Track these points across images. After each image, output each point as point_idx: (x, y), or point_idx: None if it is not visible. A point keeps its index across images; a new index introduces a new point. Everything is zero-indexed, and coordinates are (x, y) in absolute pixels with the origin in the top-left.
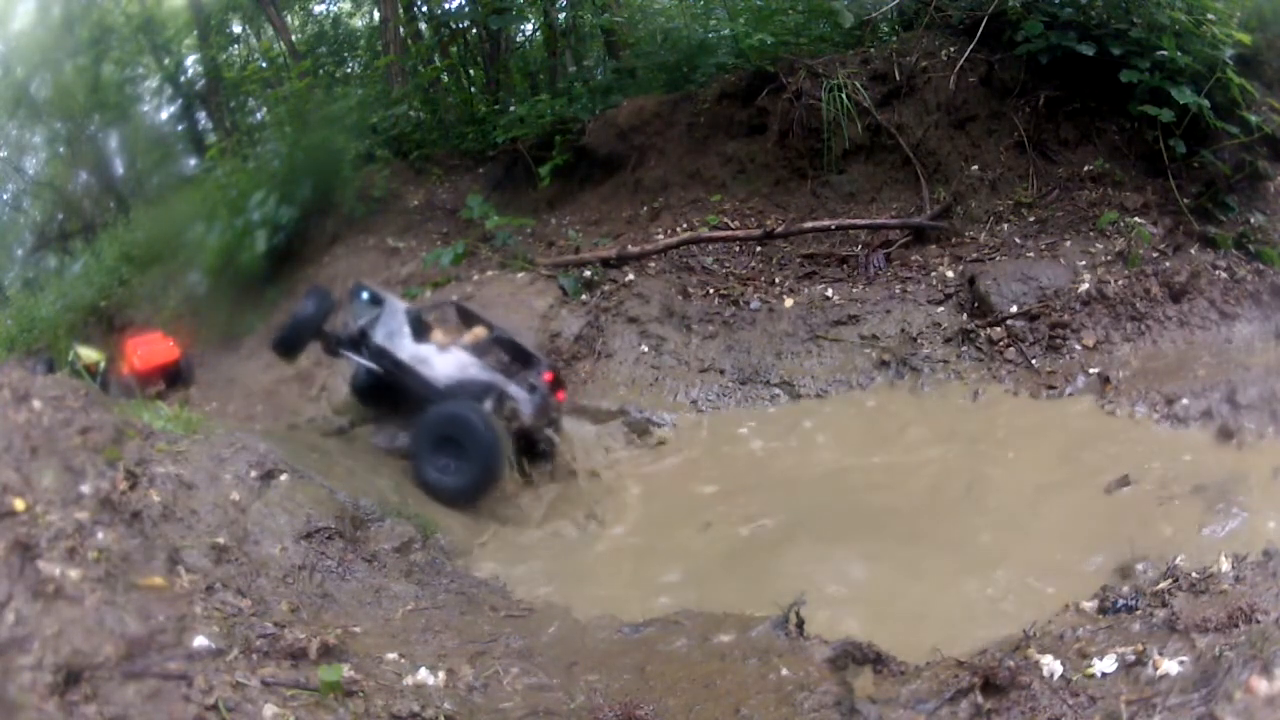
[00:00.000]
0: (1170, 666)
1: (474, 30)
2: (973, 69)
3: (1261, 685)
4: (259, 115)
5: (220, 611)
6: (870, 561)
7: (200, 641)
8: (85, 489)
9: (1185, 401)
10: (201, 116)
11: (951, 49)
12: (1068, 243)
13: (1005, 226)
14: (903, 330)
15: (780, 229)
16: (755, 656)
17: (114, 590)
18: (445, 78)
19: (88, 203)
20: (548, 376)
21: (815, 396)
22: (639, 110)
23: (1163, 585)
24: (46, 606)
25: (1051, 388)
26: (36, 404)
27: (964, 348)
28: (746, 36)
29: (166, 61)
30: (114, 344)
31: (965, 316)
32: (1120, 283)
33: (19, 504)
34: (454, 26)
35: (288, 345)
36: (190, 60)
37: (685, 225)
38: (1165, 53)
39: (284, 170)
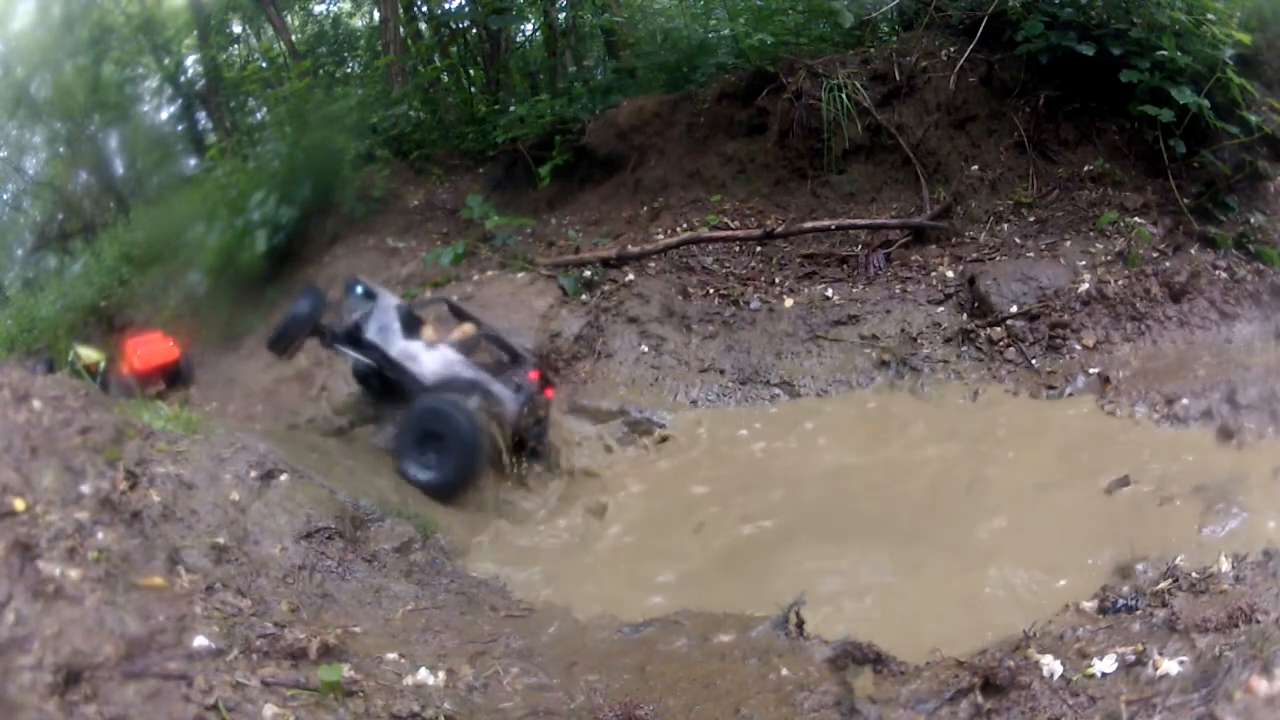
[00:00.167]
0: (1170, 666)
1: (474, 30)
2: (973, 69)
3: (1261, 685)
4: (259, 115)
5: (220, 611)
6: (870, 561)
7: (200, 641)
8: (85, 489)
9: (1185, 401)
10: (201, 116)
11: (951, 49)
12: (1068, 243)
13: (1005, 226)
14: (903, 330)
15: (780, 229)
16: (755, 656)
17: (114, 590)
18: (445, 78)
19: (88, 203)
20: (533, 375)
21: (815, 396)
22: (639, 110)
23: (1163, 585)
24: (46, 606)
25: (1051, 388)
26: (36, 404)
27: (964, 348)
28: (746, 36)
29: (166, 61)
30: (114, 344)
31: (965, 316)
32: (1120, 283)
33: (19, 504)
34: (454, 26)
35: (282, 342)
36: (190, 60)
37: (685, 225)
38: (1165, 53)
39: (284, 170)
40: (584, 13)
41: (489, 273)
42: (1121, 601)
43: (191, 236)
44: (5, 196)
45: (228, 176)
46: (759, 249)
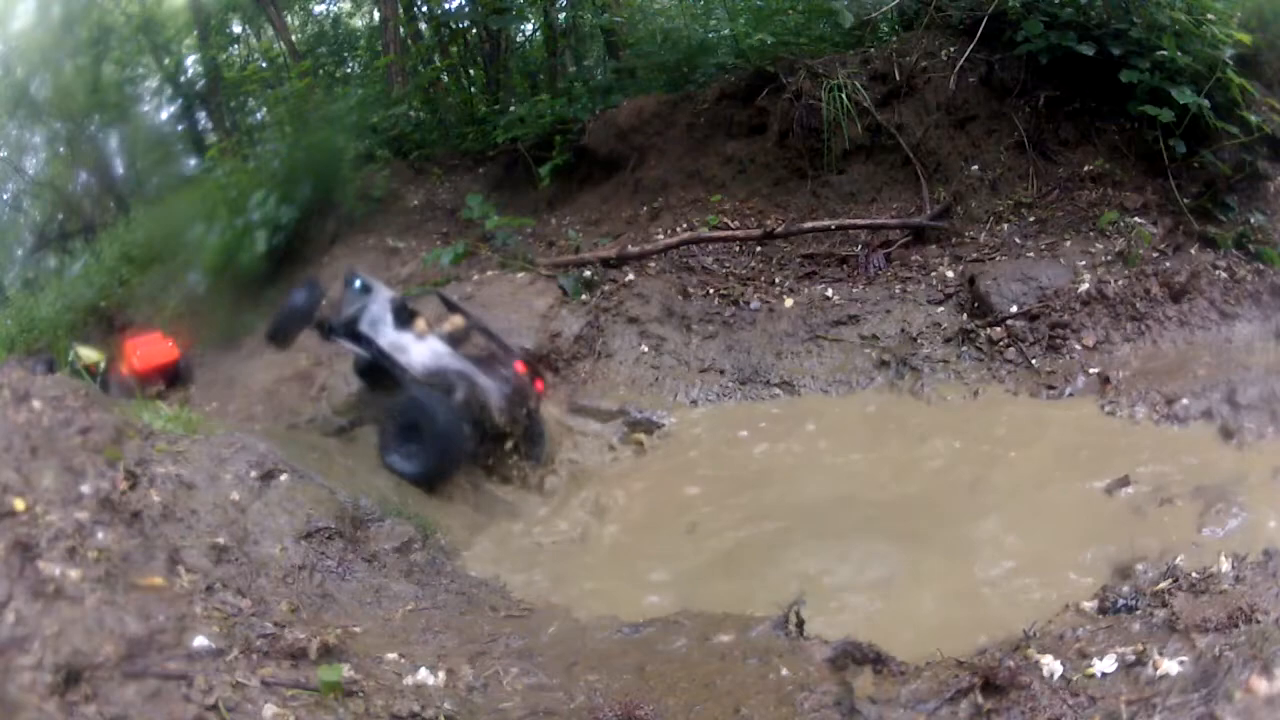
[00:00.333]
0: (1170, 666)
1: (474, 30)
2: (973, 69)
3: (1261, 685)
4: (259, 115)
5: (220, 611)
6: (870, 561)
7: (200, 641)
8: (85, 489)
9: (1185, 401)
10: (201, 116)
11: (951, 49)
12: (1068, 243)
13: (1005, 226)
14: (903, 330)
15: (780, 229)
16: (755, 656)
17: (114, 590)
18: (445, 78)
19: (88, 203)
20: (519, 366)
21: (815, 396)
22: (639, 110)
23: (1163, 585)
24: (46, 606)
25: (1051, 388)
26: (36, 404)
27: (964, 348)
28: (746, 36)
29: (166, 61)
30: (114, 344)
31: (965, 316)
32: (1120, 283)
33: (19, 504)
34: (454, 26)
35: (280, 334)
36: (190, 60)
37: (685, 225)
38: (1165, 53)
39: (284, 170)
40: (584, 13)
41: (489, 273)
42: (1121, 601)
43: (191, 236)
44: (5, 196)
45: (228, 176)
46: (759, 249)
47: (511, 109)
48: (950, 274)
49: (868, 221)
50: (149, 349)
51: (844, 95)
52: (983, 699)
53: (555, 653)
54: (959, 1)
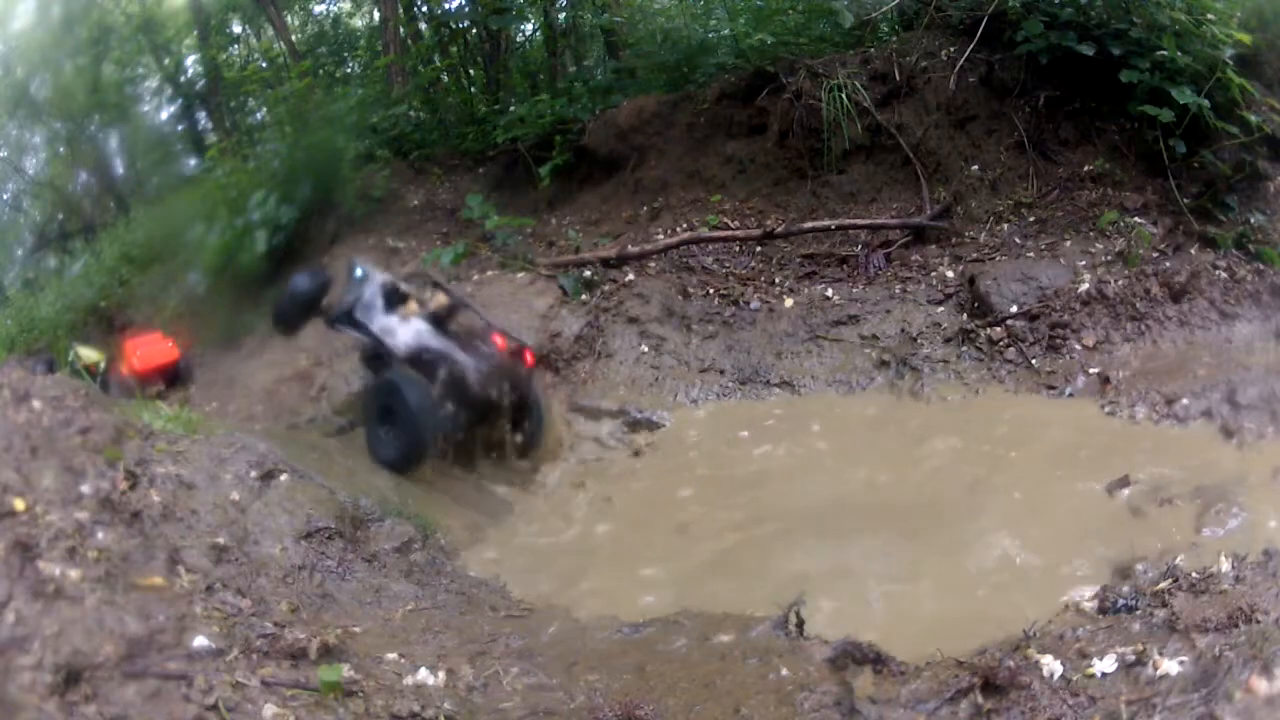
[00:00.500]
0: (1170, 666)
1: (474, 30)
2: (973, 69)
3: (1261, 685)
4: (259, 115)
5: (220, 611)
6: (870, 561)
7: (200, 641)
8: (85, 489)
9: (1185, 401)
10: (201, 116)
11: (951, 49)
12: (1068, 243)
13: (1005, 226)
14: (903, 330)
15: (780, 229)
16: (755, 656)
17: (114, 590)
18: (445, 78)
19: (88, 203)
20: (498, 340)
21: (815, 396)
22: (639, 110)
23: (1163, 585)
24: (46, 606)
25: (1051, 388)
26: (36, 404)
27: (964, 348)
28: (746, 36)
29: (166, 61)
30: (114, 344)
31: (965, 316)
32: (1120, 283)
33: (19, 504)
34: (454, 26)
35: (285, 320)
36: (190, 60)
37: (685, 225)
38: (1165, 53)
39: (284, 170)
40: (584, 13)
41: (489, 273)
42: (1121, 601)
43: (191, 236)
44: (5, 196)
45: (228, 176)
46: (759, 249)
47: (511, 109)
48: (950, 274)
49: (868, 221)
50: (149, 349)
51: (844, 95)
52: (983, 699)
53: (555, 653)
54: (959, 1)
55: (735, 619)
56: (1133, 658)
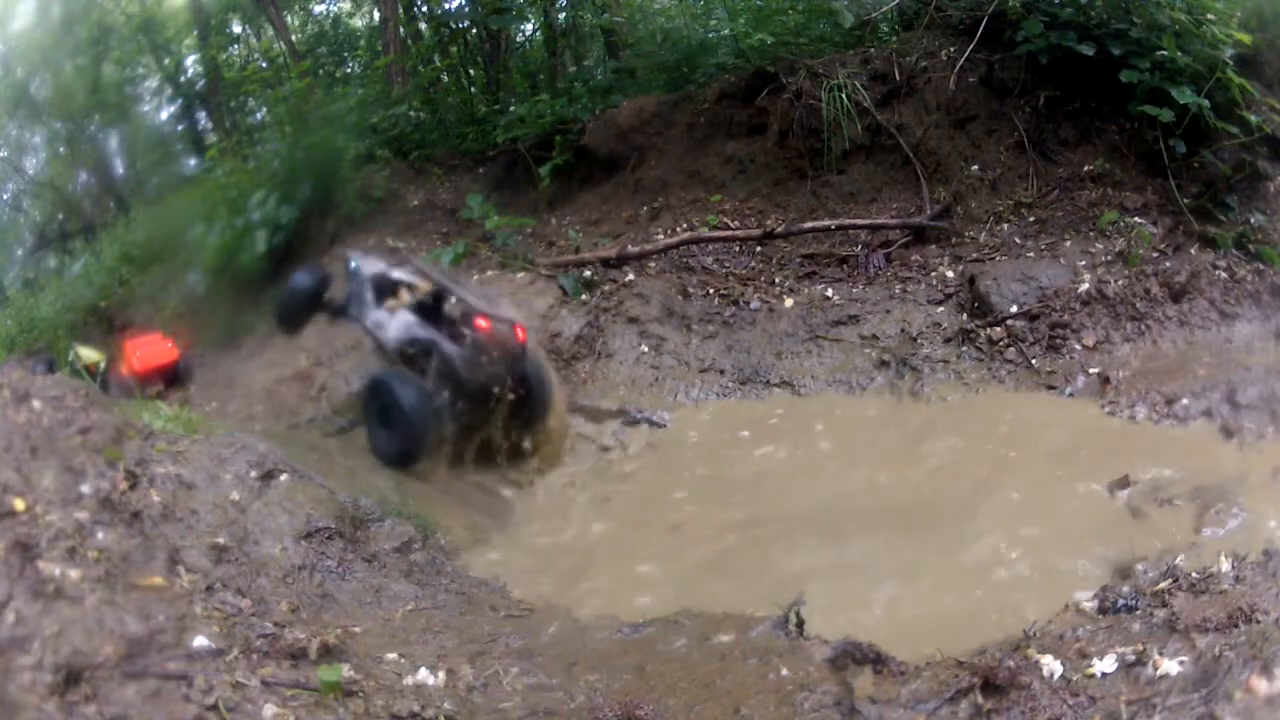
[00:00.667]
0: (1170, 666)
1: (474, 30)
2: (973, 69)
3: (1261, 685)
4: (259, 115)
5: (220, 611)
6: (870, 561)
7: (200, 641)
8: (85, 489)
9: (1185, 401)
10: (201, 116)
11: (951, 49)
12: (1068, 243)
13: (1005, 226)
14: (903, 330)
15: (780, 229)
16: (755, 656)
17: (114, 590)
18: (445, 78)
19: (88, 203)
20: (481, 323)
21: (815, 397)
22: (639, 110)
23: (1163, 585)
24: (46, 606)
25: (1051, 387)
26: (36, 404)
27: (964, 348)
28: (746, 36)
29: (166, 61)
30: (114, 344)
31: (965, 316)
32: (1120, 283)
33: (19, 504)
34: (454, 26)
35: (287, 317)
36: (190, 60)
37: (685, 225)
38: (1165, 53)
39: (284, 170)
40: (584, 13)
41: (489, 273)
42: (1121, 601)
43: (191, 236)
44: (5, 196)
45: (228, 176)
46: (759, 249)
47: (511, 109)
48: (950, 274)
49: (868, 221)
50: (149, 349)
51: (844, 95)
52: (983, 699)
53: (555, 653)
54: (959, 1)
55: (735, 619)
56: (1133, 658)
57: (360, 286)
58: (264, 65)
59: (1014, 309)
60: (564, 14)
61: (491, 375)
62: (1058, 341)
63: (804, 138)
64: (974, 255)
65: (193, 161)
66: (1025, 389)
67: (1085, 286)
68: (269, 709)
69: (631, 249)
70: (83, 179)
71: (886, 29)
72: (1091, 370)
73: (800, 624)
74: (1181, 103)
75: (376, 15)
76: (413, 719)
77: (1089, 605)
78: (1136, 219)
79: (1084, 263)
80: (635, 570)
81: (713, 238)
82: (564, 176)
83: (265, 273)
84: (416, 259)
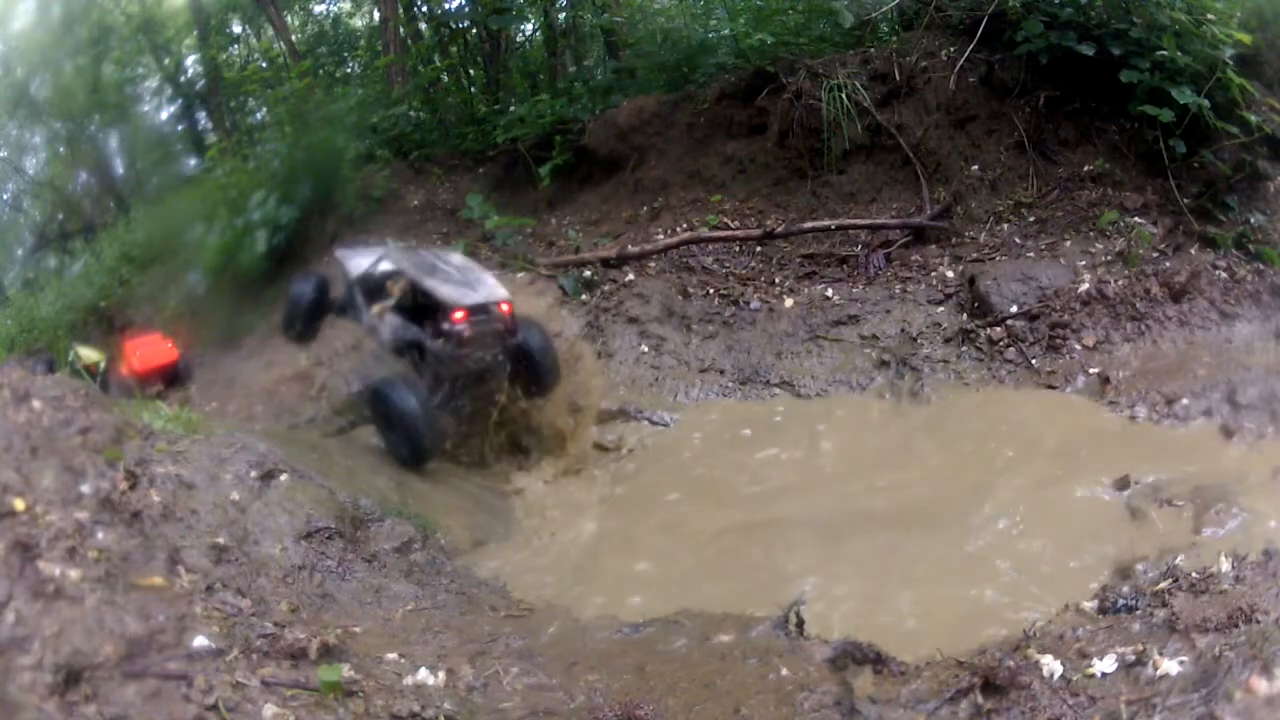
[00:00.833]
0: (1170, 666)
1: (474, 30)
2: (973, 69)
3: (1261, 685)
4: (259, 115)
5: (220, 611)
6: (870, 561)
7: (200, 641)
8: (85, 489)
9: (1185, 401)
10: (201, 116)
11: (951, 49)
12: (1068, 243)
13: (1005, 226)
14: (903, 330)
15: (780, 229)
16: (755, 656)
17: (114, 590)
18: (445, 78)
19: (88, 203)
20: (458, 318)
21: (815, 397)
22: (639, 110)
23: (1163, 585)
24: (46, 606)
25: (1051, 387)
26: (36, 404)
27: (964, 348)
28: (746, 36)
29: (166, 61)
30: (114, 344)
31: (965, 316)
32: (1120, 283)
33: (19, 504)
34: (454, 26)
35: (296, 329)
36: (190, 60)
37: (685, 225)
38: (1165, 53)
39: (284, 170)
40: (584, 13)
41: (493, 273)
42: (1121, 601)
43: (191, 236)
44: (5, 196)
45: (228, 176)
46: (759, 249)
47: (511, 109)
48: (950, 274)
49: (868, 221)
50: (149, 349)
51: (844, 95)
52: (983, 699)
53: (555, 653)
54: (959, 1)
55: (735, 619)
56: (1133, 658)
57: (351, 289)
58: (264, 65)
59: (1014, 309)
60: (564, 14)
61: (480, 360)
62: (1058, 341)
63: (804, 138)
64: (974, 255)
65: (193, 161)
66: (1025, 389)
67: (1085, 286)
68: (269, 709)
69: (631, 249)
70: (83, 179)
71: (886, 29)
72: (1091, 370)
73: (800, 624)
74: (1181, 103)
75: (376, 15)
76: (413, 719)
77: (1089, 605)
78: (1136, 219)
79: (1084, 263)
80: (635, 570)
81: (713, 238)
82: (564, 176)
83: (265, 273)
84: (395, 247)
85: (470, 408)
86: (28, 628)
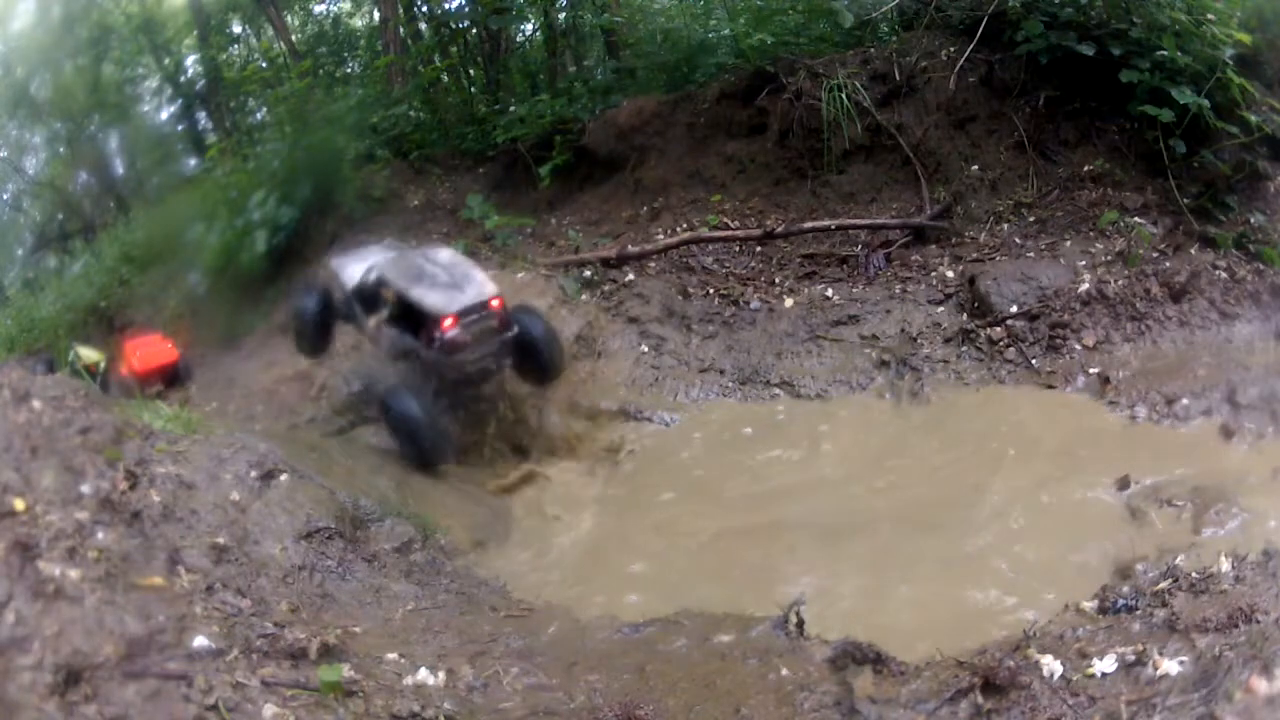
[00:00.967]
0: (1170, 666)
1: (474, 30)
2: (973, 69)
3: (1261, 685)
4: (259, 115)
5: (220, 611)
6: (870, 561)
7: (200, 641)
8: (85, 489)
9: (1185, 401)
10: (201, 116)
11: (951, 49)
12: (1068, 243)
13: (1005, 226)
14: (903, 330)
15: (780, 229)
16: (755, 656)
17: (114, 590)
18: (445, 78)
19: (88, 203)
20: (447, 325)
21: (815, 397)
22: (639, 110)
23: (1163, 585)
24: (46, 606)
25: (1051, 387)
26: (36, 404)
27: (964, 348)
28: (746, 36)
29: (166, 61)
30: (114, 344)
31: (965, 316)
32: (1120, 283)
33: (19, 504)
34: (454, 26)
35: (309, 341)
36: (190, 60)
37: (685, 225)
38: (1165, 53)
39: (284, 170)
40: (584, 13)
41: (489, 272)
42: (1121, 601)
43: (191, 236)
44: (5, 196)
45: (228, 176)
46: (759, 249)
47: (511, 109)
48: (950, 274)
49: (868, 221)
50: (149, 349)
51: (844, 95)
52: (983, 699)
53: (555, 653)
54: (959, 1)
55: (735, 619)
56: (1133, 658)
57: (349, 301)
58: (264, 65)
59: (1014, 309)
60: (564, 14)
61: (479, 361)
62: (1058, 341)
63: (804, 138)
64: (974, 255)
65: (193, 161)
66: (1025, 389)
67: (1085, 286)
68: (269, 709)
69: (631, 249)
70: (83, 179)
71: (886, 29)
72: (1091, 370)
73: (800, 624)
74: (1181, 103)
75: (376, 15)
76: (413, 719)
77: (1089, 605)
78: (1136, 219)
79: (1084, 263)
80: (635, 570)
81: (713, 238)
82: (564, 176)
83: (265, 273)
84: (383, 253)
85: (476, 408)
86: (28, 628)
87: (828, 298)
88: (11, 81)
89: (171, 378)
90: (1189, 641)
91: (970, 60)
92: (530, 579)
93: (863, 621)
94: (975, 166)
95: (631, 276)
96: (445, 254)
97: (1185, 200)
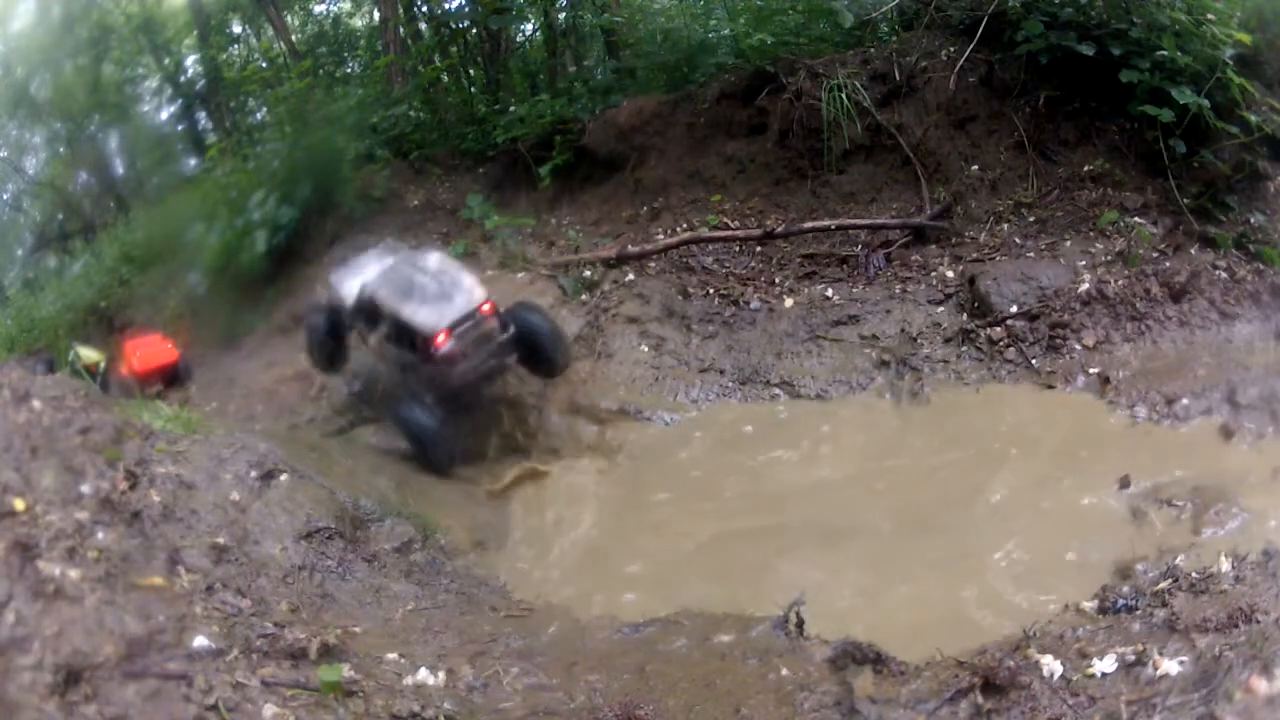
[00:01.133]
0: (1170, 666)
1: (474, 30)
2: (973, 69)
3: (1261, 685)
4: (259, 115)
5: (220, 611)
6: (871, 561)
7: (200, 641)
8: (85, 489)
9: (1185, 401)
10: (201, 116)
11: (951, 49)
12: (1068, 243)
13: (1005, 226)
14: (903, 330)
15: (780, 229)
16: (755, 656)
17: (114, 590)
18: (445, 78)
19: (88, 203)
20: (439, 342)
21: (815, 397)
22: (639, 110)
23: (1163, 585)
24: (46, 606)
25: (1051, 387)
26: (36, 404)
27: (964, 348)
28: (746, 36)
29: (166, 61)
30: (114, 344)
31: (965, 316)
32: (1120, 283)
33: (19, 504)
34: (454, 26)
35: (324, 357)
36: (190, 60)
37: (685, 225)
38: (1165, 53)
39: (284, 170)
40: (584, 13)
41: (489, 273)
42: (1121, 601)
43: (191, 236)
44: (5, 196)
45: (228, 176)
46: (759, 249)
47: (511, 109)
48: (950, 274)
49: (868, 221)
50: (149, 350)
51: (844, 95)
52: (983, 699)
53: (555, 653)
54: (959, 1)
55: (735, 619)
56: (1133, 658)
57: (352, 318)
58: (264, 65)
59: (1014, 309)
60: (564, 14)
61: (475, 368)
62: (1058, 341)
63: (804, 138)
64: (974, 255)
65: (193, 161)
66: (1025, 389)
67: (1085, 286)
68: (269, 709)
69: (631, 249)
70: (83, 179)
71: (886, 29)
72: (1091, 370)
73: (800, 624)
74: (1181, 103)
75: (376, 15)
76: (413, 719)
77: (1089, 605)
78: (1136, 219)
79: (1084, 263)
80: (635, 570)
81: (713, 238)
82: (564, 176)
83: (265, 273)
84: (373, 267)
85: (484, 411)
86: (28, 628)
87: (828, 298)
88: (11, 81)
89: (171, 378)
90: (1189, 641)
91: (970, 60)
92: (530, 579)
93: (862, 621)
94: (975, 166)
95: (631, 276)
96: (434, 259)
97: (1185, 200)
